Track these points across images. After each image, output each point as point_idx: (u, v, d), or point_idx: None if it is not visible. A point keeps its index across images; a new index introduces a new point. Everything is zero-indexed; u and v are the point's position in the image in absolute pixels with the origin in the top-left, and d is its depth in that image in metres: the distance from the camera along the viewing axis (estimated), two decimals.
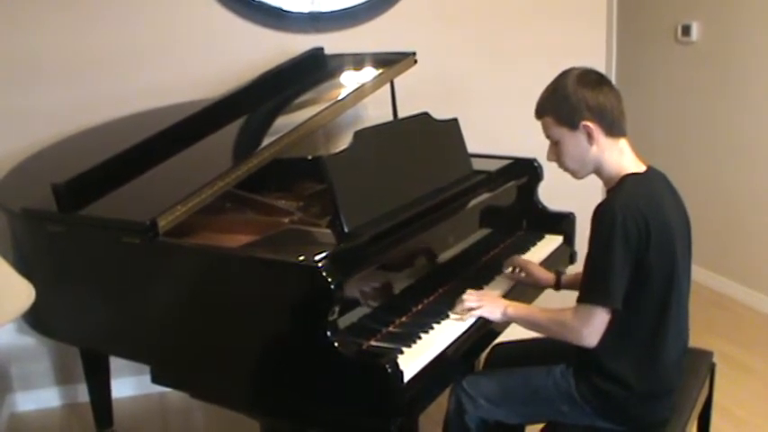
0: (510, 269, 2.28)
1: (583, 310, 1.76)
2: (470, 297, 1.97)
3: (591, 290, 1.76)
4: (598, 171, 1.85)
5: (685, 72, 4.17)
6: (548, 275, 2.25)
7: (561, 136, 1.84)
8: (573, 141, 1.82)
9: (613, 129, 1.80)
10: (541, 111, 1.87)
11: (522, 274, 2.25)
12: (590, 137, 1.79)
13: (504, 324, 2.06)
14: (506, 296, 2.12)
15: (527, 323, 1.91)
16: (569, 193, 2.57)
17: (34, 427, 3.00)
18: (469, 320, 1.93)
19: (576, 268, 2.36)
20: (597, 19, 3.36)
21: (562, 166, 1.89)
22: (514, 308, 1.94)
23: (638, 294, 1.75)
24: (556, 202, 2.67)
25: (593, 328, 1.75)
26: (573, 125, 1.80)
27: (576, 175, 1.90)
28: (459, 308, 1.96)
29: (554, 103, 1.83)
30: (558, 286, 2.25)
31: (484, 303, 1.95)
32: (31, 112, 2.86)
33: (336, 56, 2.92)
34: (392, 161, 2.13)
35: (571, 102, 1.78)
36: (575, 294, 1.82)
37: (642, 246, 1.71)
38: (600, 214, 1.76)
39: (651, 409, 1.83)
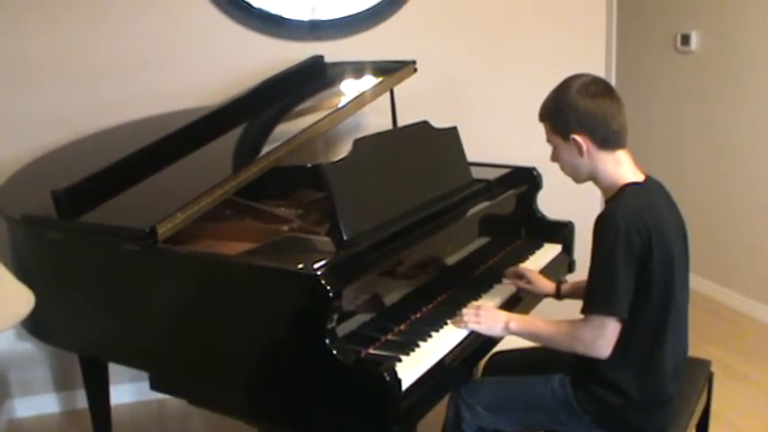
0: (512, 278, 2.26)
1: (595, 322, 1.75)
2: (469, 312, 1.95)
3: (600, 301, 1.75)
4: (594, 180, 1.87)
5: (684, 81, 4.18)
6: (549, 284, 2.24)
7: (556, 144, 1.87)
8: (566, 151, 1.85)
9: (608, 142, 1.80)
10: (542, 116, 1.90)
11: (524, 283, 2.24)
12: (580, 150, 1.81)
13: None
14: (503, 306, 2.12)
15: (531, 336, 1.90)
16: (568, 202, 2.57)
17: None
18: (468, 329, 1.93)
19: (575, 277, 2.37)
20: (597, 28, 3.36)
21: (562, 170, 1.91)
22: (516, 321, 1.91)
23: (638, 304, 1.74)
24: (555, 210, 2.67)
25: (606, 339, 1.74)
26: (565, 136, 1.82)
27: (575, 180, 1.91)
28: (458, 323, 1.94)
29: (551, 112, 1.85)
30: (558, 295, 2.24)
31: (481, 320, 1.92)
32: (30, 118, 2.87)
33: (336, 64, 2.92)
34: (391, 169, 2.13)
35: (564, 114, 1.80)
36: (573, 303, 1.81)
37: (645, 256, 1.72)
38: (602, 225, 1.76)
39: (650, 418, 1.83)
